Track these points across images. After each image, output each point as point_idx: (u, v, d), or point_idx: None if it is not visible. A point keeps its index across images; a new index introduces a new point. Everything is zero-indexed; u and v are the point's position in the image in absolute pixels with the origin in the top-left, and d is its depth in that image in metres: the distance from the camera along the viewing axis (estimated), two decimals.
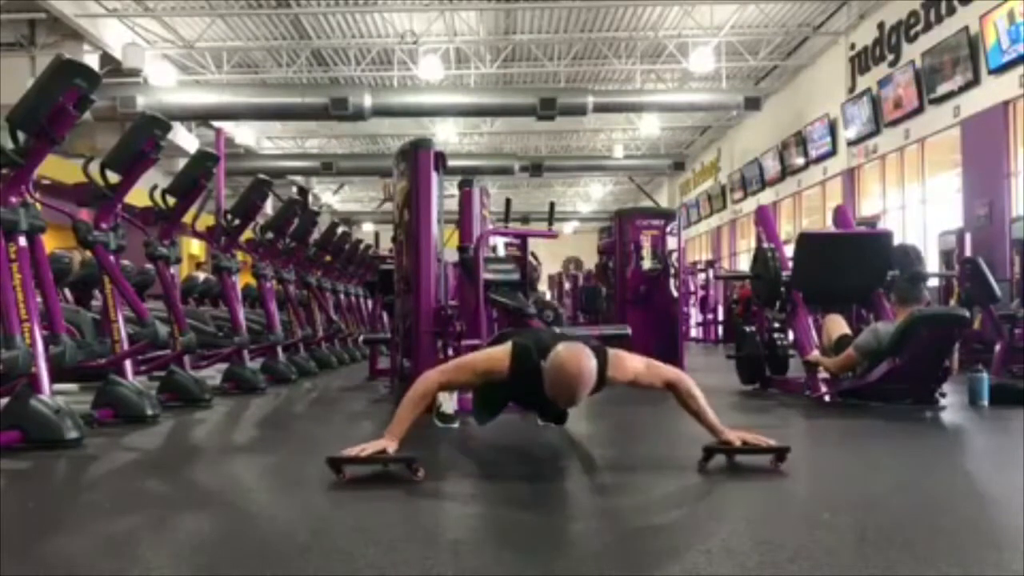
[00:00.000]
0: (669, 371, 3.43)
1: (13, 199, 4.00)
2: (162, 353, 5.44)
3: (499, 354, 3.37)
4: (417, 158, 5.35)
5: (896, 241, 7.62)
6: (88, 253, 5.61)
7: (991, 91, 10.00)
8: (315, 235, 9.83)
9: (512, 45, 15.79)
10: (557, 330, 4.41)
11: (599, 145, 23.51)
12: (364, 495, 2.97)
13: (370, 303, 10.53)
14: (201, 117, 15.87)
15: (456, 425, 4.37)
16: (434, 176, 5.33)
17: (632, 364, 3.38)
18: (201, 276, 10.66)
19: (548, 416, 4.02)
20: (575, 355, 3.14)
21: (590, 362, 3.14)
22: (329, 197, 27.36)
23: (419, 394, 3.30)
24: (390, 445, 3.14)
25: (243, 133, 19.21)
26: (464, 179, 6.45)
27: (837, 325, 5.83)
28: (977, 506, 2.92)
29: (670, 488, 3.03)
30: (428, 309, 5.21)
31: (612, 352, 3.36)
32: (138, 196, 5.64)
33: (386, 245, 8.74)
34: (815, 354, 5.72)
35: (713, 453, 3.23)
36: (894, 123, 12.30)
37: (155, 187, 5.69)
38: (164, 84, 14.35)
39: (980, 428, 4.85)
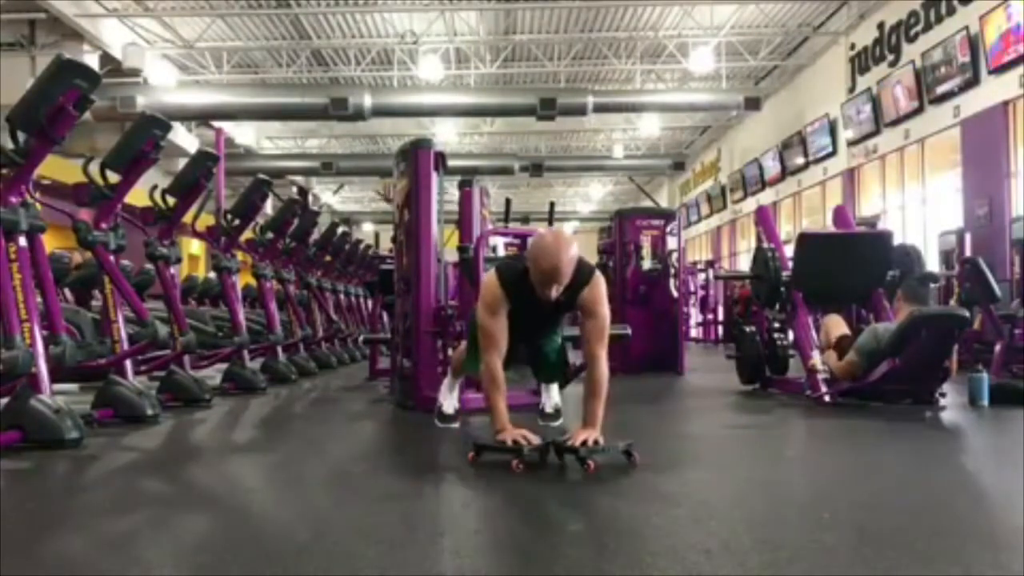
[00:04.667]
0: (605, 347, 3.47)
1: (13, 199, 4.00)
2: (162, 353, 5.43)
3: (488, 281, 3.54)
4: (417, 158, 5.35)
5: (896, 241, 7.60)
6: (88, 253, 5.61)
7: (991, 91, 10.01)
8: (315, 235, 9.84)
9: (512, 45, 15.78)
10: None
11: (599, 145, 23.50)
12: (364, 495, 2.97)
13: (370, 303, 10.53)
14: (201, 117, 15.87)
15: (456, 425, 4.37)
16: (434, 176, 5.33)
17: (604, 304, 3.46)
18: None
19: (543, 366, 4.15)
20: (556, 229, 3.49)
21: (571, 240, 3.32)
22: (329, 197, 27.36)
23: (490, 379, 3.44)
24: (511, 434, 3.29)
25: (243, 133, 19.20)
26: (464, 179, 6.43)
27: (837, 325, 5.83)
28: (977, 506, 2.92)
29: (669, 488, 3.03)
30: (428, 309, 5.21)
31: (599, 275, 3.49)
32: (138, 196, 5.64)
33: (386, 245, 8.74)
34: (815, 358, 5.67)
35: (562, 452, 3.28)
36: (894, 123, 12.31)
37: (155, 187, 5.69)
38: (164, 84, 14.35)
39: (980, 428, 4.85)
